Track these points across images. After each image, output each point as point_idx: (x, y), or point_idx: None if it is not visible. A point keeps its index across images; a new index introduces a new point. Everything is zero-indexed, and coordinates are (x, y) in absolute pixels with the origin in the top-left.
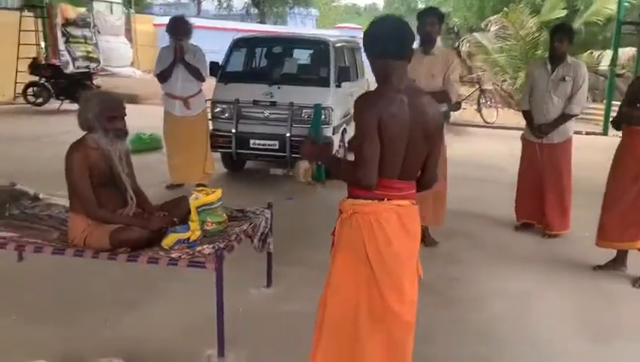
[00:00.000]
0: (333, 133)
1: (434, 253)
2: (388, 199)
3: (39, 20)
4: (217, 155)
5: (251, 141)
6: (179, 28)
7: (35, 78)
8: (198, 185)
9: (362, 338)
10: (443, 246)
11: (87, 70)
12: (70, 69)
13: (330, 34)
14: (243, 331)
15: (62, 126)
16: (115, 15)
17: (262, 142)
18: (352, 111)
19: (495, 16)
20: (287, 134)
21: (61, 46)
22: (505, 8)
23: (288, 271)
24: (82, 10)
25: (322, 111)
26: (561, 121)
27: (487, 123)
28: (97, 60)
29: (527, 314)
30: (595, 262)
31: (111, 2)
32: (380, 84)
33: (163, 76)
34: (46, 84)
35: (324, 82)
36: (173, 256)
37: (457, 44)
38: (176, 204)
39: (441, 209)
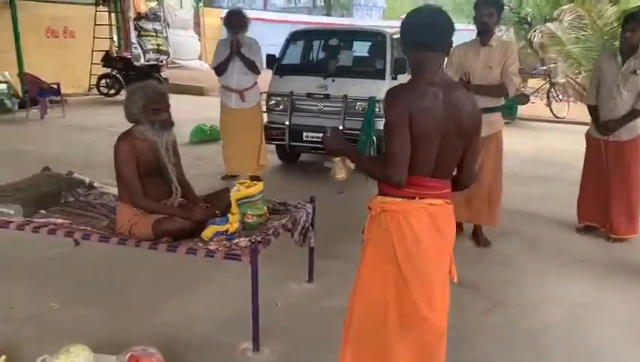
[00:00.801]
0: None
1: (485, 253)
2: (420, 198)
3: (113, 14)
4: (272, 147)
5: (304, 133)
6: (235, 21)
7: (108, 70)
8: (252, 176)
9: (391, 341)
10: (496, 246)
11: (155, 63)
12: (141, 62)
13: (392, 25)
14: (280, 325)
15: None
16: (185, 9)
17: (315, 134)
18: None
19: (569, 5)
20: (340, 127)
21: (133, 39)
22: None
23: (331, 266)
24: (153, 4)
25: (376, 104)
26: (631, 117)
27: (558, 118)
28: (167, 53)
29: (580, 322)
30: None
31: None
32: (413, 77)
33: (219, 69)
34: (117, 75)
35: (380, 74)
36: (210, 247)
37: (529, 35)
38: (219, 196)
39: (496, 208)
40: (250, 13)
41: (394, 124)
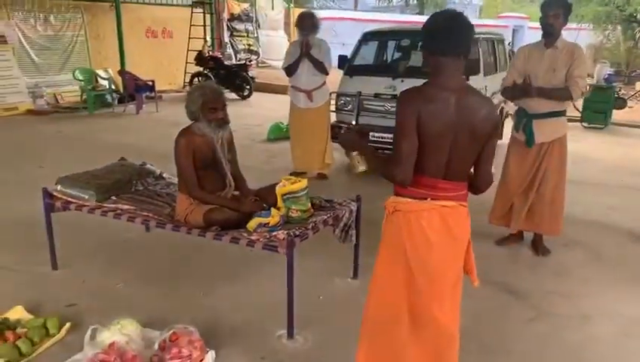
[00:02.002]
0: None
1: (543, 263)
2: (432, 199)
3: (208, 16)
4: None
5: (370, 133)
6: (306, 24)
7: (200, 69)
8: (319, 174)
9: (403, 340)
10: (556, 256)
11: (244, 62)
12: (233, 61)
13: (488, 24)
14: (318, 317)
15: None
16: (276, 10)
17: (381, 134)
18: None
19: None
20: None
21: (226, 39)
22: None
23: None
24: (246, 5)
25: None
26: None
27: None
28: (257, 53)
29: (630, 340)
30: None
31: None
32: (429, 80)
33: (290, 70)
34: (209, 74)
35: None
36: (252, 238)
37: (635, 34)
38: (268, 191)
39: (559, 217)
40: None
41: (401, 125)
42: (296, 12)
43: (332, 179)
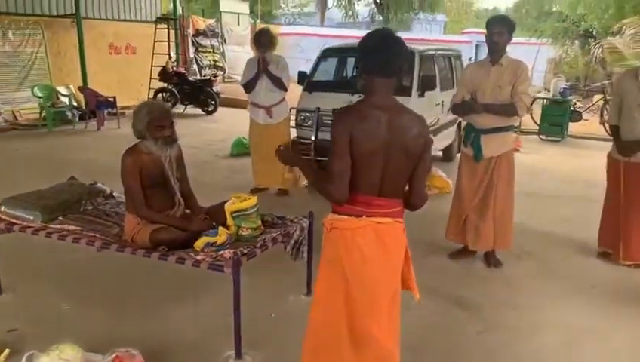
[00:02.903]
0: None
1: (495, 275)
2: (367, 216)
3: (172, 31)
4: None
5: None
6: (262, 40)
7: (165, 85)
8: (279, 190)
9: (345, 360)
10: (508, 268)
11: (208, 78)
12: (198, 77)
13: (454, 40)
14: (268, 336)
15: (179, 129)
16: (242, 25)
17: None
18: (438, 120)
19: (629, 19)
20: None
21: (191, 55)
22: None
23: None
24: (211, 21)
25: None
26: None
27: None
28: (223, 69)
29: (575, 350)
30: None
31: (238, 14)
32: (362, 99)
33: (247, 87)
34: (173, 90)
35: (407, 91)
36: (198, 257)
37: (590, 49)
38: (219, 209)
39: (508, 230)
40: (306, 29)
41: (335, 144)
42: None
43: (292, 195)
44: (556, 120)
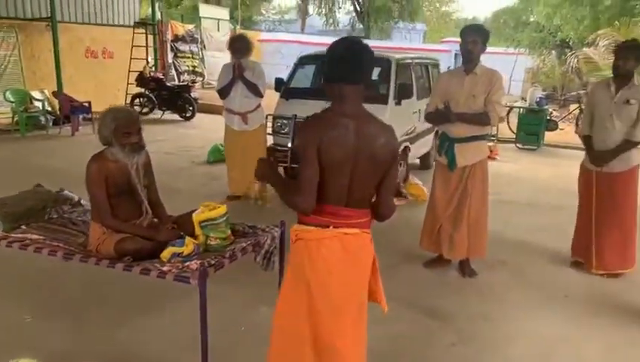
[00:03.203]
0: None
1: (469, 285)
2: (334, 226)
3: (150, 37)
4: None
5: None
6: (237, 46)
7: (142, 90)
8: (255, 197)
9: None
10: (483, 278)
11: (186, 83)
12: (176, 82)
13: (433, 48)
14: (237, 348)
15: (156, 134)
16: (222, 31)
17: None
18: (415, 128)
19: (603, 30)
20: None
21: (169, 60)
22: (616, 22)
23: None
24: (191, 27)
25: None
26: (623, 148)
27: None
28: (202, 74)
29: (545, 360)
30: None
31: (218, 19)
32: (330, 107)
33: (222, 93)
34: (151, 95)
35: (383, 99)
36: (164, 268)
37: (567, 59)
38: (187, 218)
39: (483, 238)
40: (287, 36)
41: (302, 154)
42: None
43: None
44: (532, 129)
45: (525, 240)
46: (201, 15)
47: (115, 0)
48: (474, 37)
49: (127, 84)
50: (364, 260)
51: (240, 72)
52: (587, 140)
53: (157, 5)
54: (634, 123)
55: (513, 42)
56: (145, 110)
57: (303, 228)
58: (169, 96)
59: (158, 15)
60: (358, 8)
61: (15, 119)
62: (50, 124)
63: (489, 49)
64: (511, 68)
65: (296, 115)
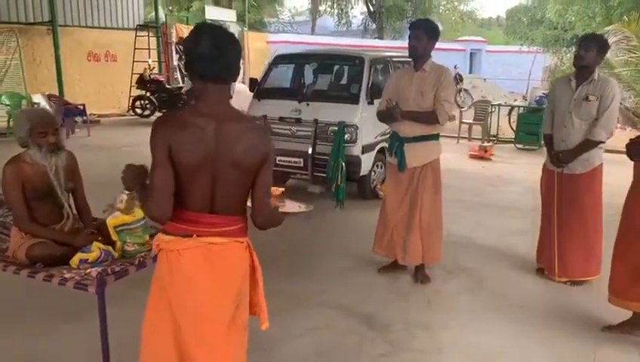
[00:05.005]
0: (363, 153)
1: (419, 291)
2: (197, 235)
3: (154, 39)
4: None
5: (277, 157)
6: None
7: (143, 92)
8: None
9: None
10: (434, 284)
11: (184, 85)
12: (177, 85)
13: (443, 47)
14: None
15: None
16: None
17: (287, 158)
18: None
19: (612, 26)
20: (309, 151)
21: (174, 63)
22: (624, 17)
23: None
24: None
25: (346, 129)
26: (583, 148)
27: None
28: None
29: None
30: (613, 320)
31: (225, 21)
32: (190, 106)
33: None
34: (152, 97)
35: (354, 99)
36: (66, 276)
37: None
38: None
39: (435, 244)
40: (296, 37)
41: (153, 156)
42: (250, 36)
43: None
44: (533, 128)
45: (494, 246)
46: (207, 17)
47: (118, 3)
48: (417, 32)
49: (131, 86)
50: (233, 271)
51: None
52: (548, 139)
53: (161, 8)
54: (594, 121)
55: (527, 40)
56: (146, 112)
57: (164, 237)
58: (169, 98)
59: (163, 17)
60: (371, 8)
61: (11, 122)
62: None
63: (505, 48)
64: (528, 67)
65: (266, 116)
